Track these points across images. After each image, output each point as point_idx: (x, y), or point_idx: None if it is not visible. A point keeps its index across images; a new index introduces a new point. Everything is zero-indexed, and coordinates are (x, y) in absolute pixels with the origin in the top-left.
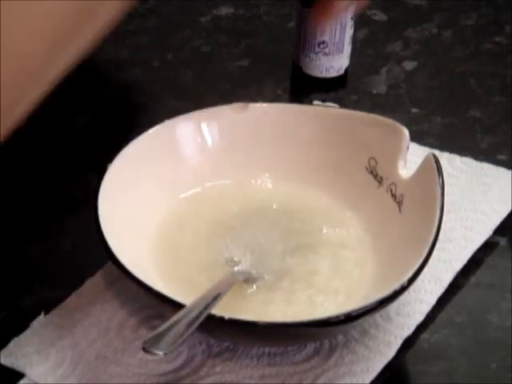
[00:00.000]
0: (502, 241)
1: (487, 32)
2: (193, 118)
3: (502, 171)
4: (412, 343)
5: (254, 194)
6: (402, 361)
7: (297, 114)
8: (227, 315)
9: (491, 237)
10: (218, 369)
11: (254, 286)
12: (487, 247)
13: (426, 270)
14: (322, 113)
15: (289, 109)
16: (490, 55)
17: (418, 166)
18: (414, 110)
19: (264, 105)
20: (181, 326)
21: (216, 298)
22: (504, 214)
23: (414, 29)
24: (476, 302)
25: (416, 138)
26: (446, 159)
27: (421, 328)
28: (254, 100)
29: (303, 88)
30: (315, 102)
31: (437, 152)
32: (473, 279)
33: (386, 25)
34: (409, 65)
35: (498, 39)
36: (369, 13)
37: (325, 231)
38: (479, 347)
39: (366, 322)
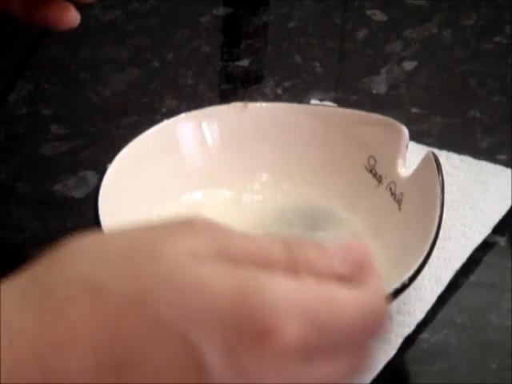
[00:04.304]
0: (502, 240)
1: (487, 32)
2: (193, 117)
3: (501, 169)
4: (412, 343)
5: (253, 194)
6: (402, 360)
7: (297, 114)
8: None
9: (491, 236)
10: None
11: None
12: (487, 247)
13: (425, 268)
14: (321, 112)
15: (289, 109)
16: (490, 55)
17: (417, 164)
18: (414, 110)
19: (264, 105)
20: None
21: None
22: (503, 212)
23: (414, 29)
24: (476, 301)
25: (416, 138)
26: (445, 158)
27: (421, 328)
28: (254, 100)
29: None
30: (313, 102)
31: (435, 150)
32: (472, 279)
33: (386, 25)
34: (409, 65)
35: (497, 39)
36: (369, 13)
37: (324, 231)
38: (479, 347)
39: None
